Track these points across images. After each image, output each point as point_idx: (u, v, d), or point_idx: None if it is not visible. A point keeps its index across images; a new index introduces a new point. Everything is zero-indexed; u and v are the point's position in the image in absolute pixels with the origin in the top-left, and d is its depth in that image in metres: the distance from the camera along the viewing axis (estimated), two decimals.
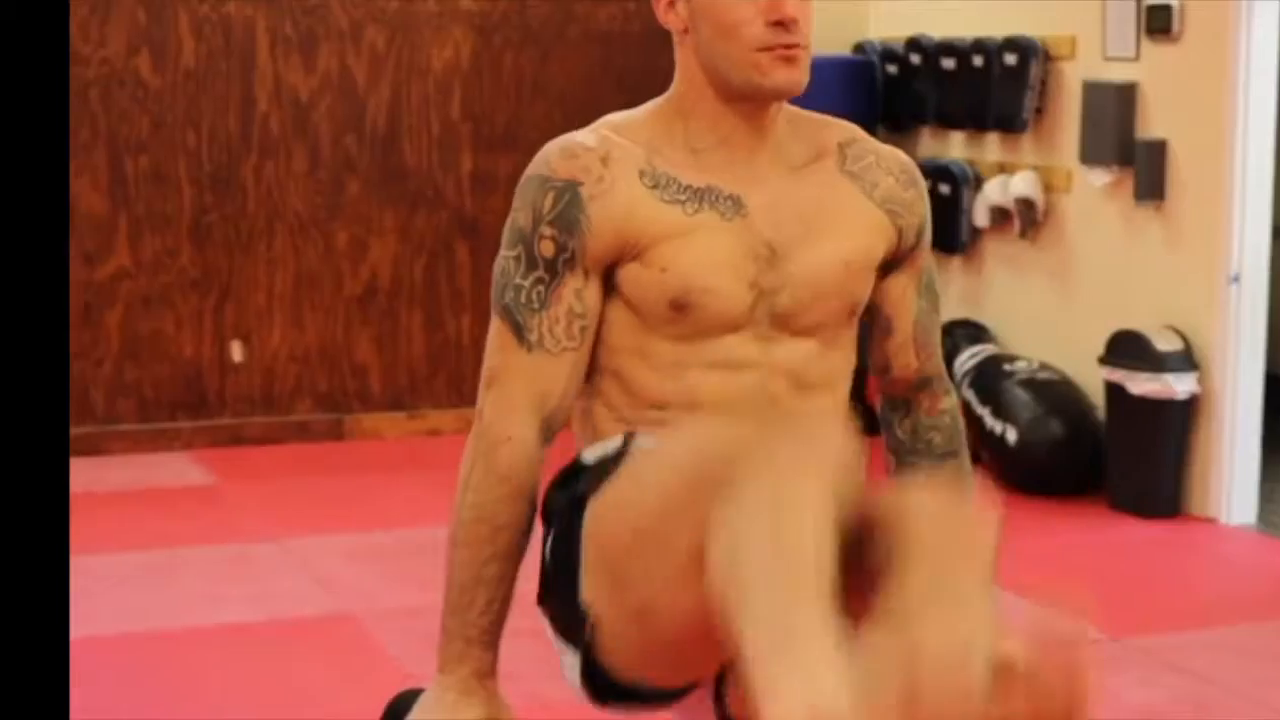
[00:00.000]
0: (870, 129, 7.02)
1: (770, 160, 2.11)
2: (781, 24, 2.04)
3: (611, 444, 2.05)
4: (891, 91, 7.04)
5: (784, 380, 2.09)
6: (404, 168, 6.94)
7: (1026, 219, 6.41)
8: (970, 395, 6.29)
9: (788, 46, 2.03)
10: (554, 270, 2.01)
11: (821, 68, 6.95)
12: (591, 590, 1.91)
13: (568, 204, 2.02)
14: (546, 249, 2.01)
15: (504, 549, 1.99)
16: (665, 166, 2.07)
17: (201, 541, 5.52)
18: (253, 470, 6.49)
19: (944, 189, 6.70)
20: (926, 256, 2.25)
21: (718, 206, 2.07)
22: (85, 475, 6.39)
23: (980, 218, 6.61)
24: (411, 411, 7.03)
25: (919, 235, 2.21)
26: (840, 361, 2.17)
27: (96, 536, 5.57)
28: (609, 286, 2.06)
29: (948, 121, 6.80)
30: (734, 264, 2.05)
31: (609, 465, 1.98)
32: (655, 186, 2.05)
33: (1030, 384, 6.17)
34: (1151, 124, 5.91)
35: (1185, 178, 5.80)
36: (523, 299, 2.02)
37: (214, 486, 6.30)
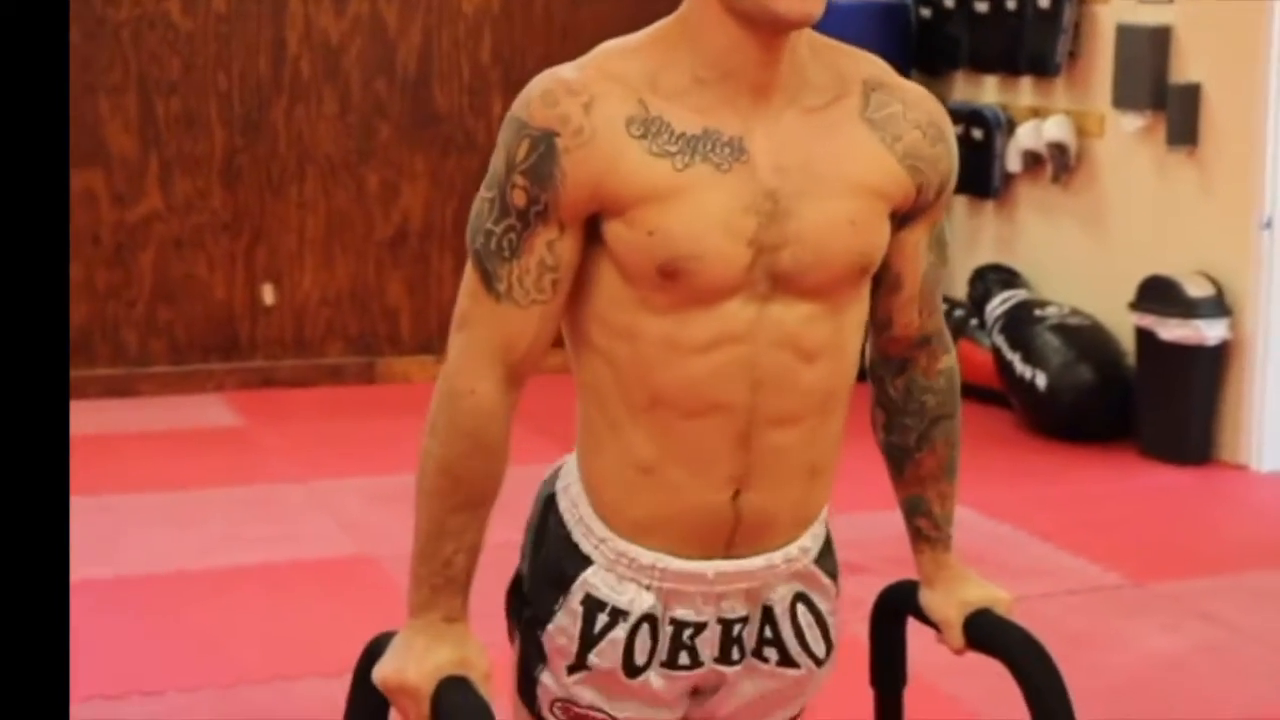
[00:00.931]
0: (904, 73, 6.98)
1: (784, 98, 1.94)
2: None
3: (567, 659, 2.02)
4: (925, 35, 6.98)
5: (782, 351, 1.96)
6: (435, 112, 6.92)
7: (1059, 164, 6.36)
8: (1001, 340, 6.26)
9: None
10: (526, 220, 1.91)
11: (855, 10, 7.00)
12: None
13: (541, 155, 1.90)
14: (518, 198, 1.92)
15: (466, 501, 1.95)
16: (660, 106, 1.91)
17: (229, 483, 5.54)
18: (283, 412, 6.51)
19: (977, 134, 6.65)
20: (945, 209, 2.11)
21: (713, 156, 1.90)
22: (117, 415, 6.44)
23: (1013, 162, 6.57)
24: (441, 355, 6.96)
25: (940, 191, 2.05)
26: (849, 326, 2.00)
27: (126, 476, 5.61)
28: (594, 239, 1.96)
29: (981, 65, 6.74)
30: (729, 223, 1.90)
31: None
32: (644, 135, 1.90)
33: (1061, 329, 6.13)
34: (1185, 68, 5.84)
35: (1218, 122, 5.74)
36: (493, 245, 1.93)
37: (244, 428, 6.33)
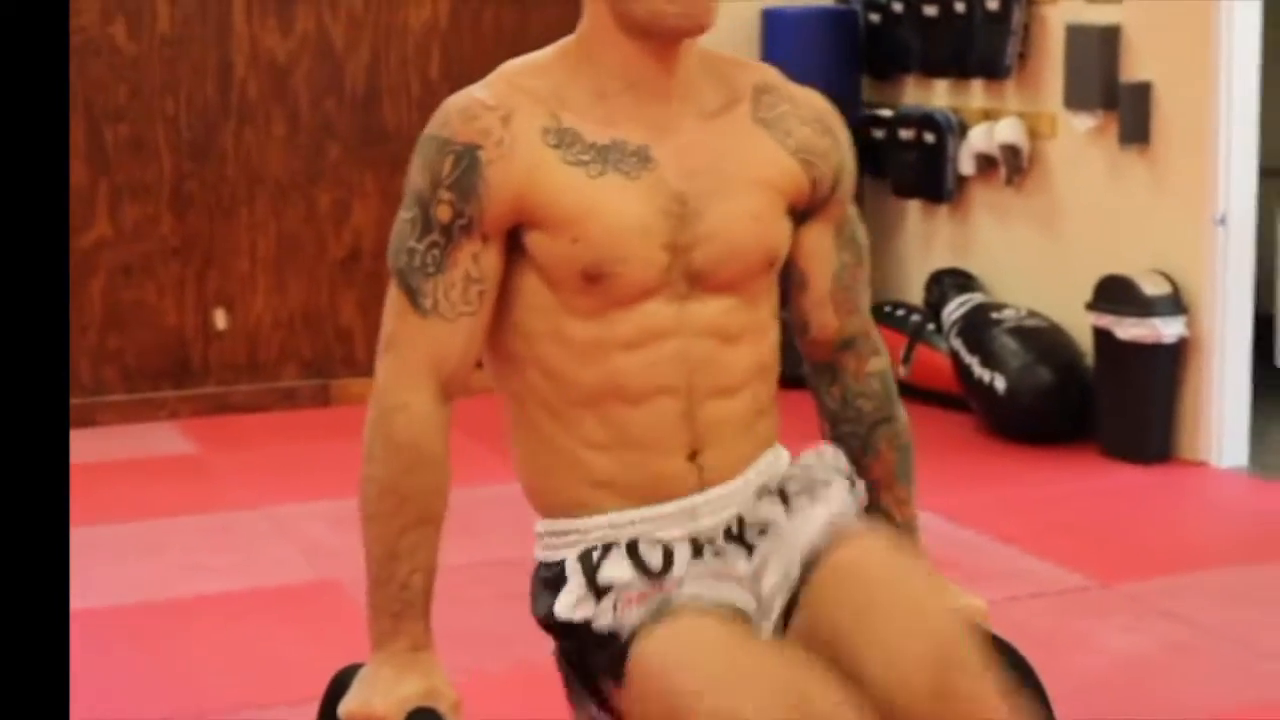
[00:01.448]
0: (854, 78, 7.04)
1: (681, 106, 2.03)
2: None
3: (575, 589, 1.99)
4: (874, 40, 6.98)
5: (708, 339, 2.03)
6: (385, 129, 6.88)
7: (1012, 166, 6.37)
8: (958, 344, 6.26)
9: None
10: (450, 235, 1.94)
11: (805, 17, 6.98)
12: None
13: (466, 169, 1.93)
14: (443, 214, 1.94)
15: (415, 518, 1.94)
16: (570, 119, 1.97)
17: (187, 511, 5.49)
18: (238, 438, 6.46)
19: (929, 138, 6.65)
20: (847, 208, 2.16)
21: (623, 166, 1.97)
22: (73, 446, 6.36)
23: (966, 166, 6.57)
24: None
25: (835, 184, 2.12)
26: (764, 313, 2.10)
27: (83, 508, 5.51)
28: (515, 250, 1.98)
29: (931, 69, 6.74)
30: (645, 227, 1.97)
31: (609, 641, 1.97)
32: (559, 145, 1.96)
33: (1018, 332, 6.13)
34: (1135, 67, 5.85)
35: (1170, 120, 5.75)
36: (417, 263, 1.95)
37: (199, 455, 6.27)
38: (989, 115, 6.48)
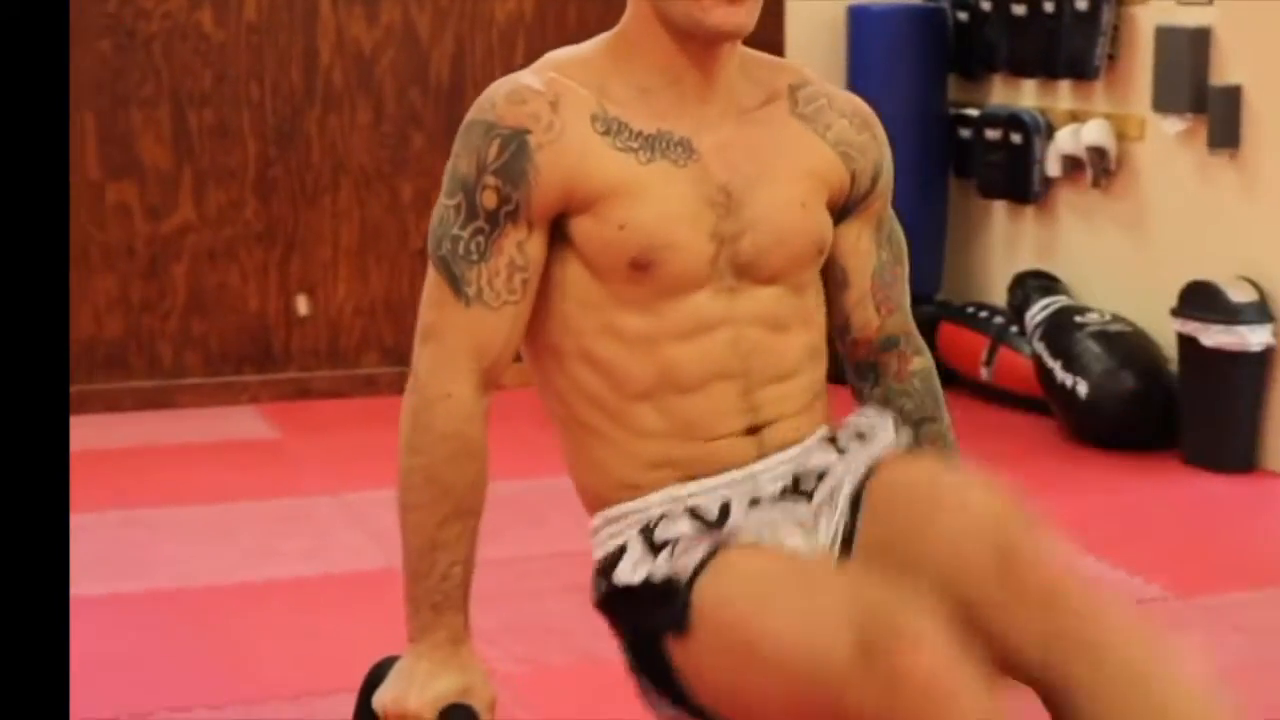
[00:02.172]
0: (940, 77, 6.97)
1: (722, 103, 2.02)
2: None
3: (636, 554, 1.97)
4: (962, 39, 6.91)
5: (758, 328, 2.02)
6: None
7: (1098, 168, 6.28)
8: (1041, 348, 6.19)
9: None
10: (495, 221, 1.92)
11: (892, 15, 6.93)
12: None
13: (514, 154, 1.91)
14: (489, 200, 1.92)
15: (456, 508, 1.92)
16: (616, 109, 1.96)
17: (262, 496, 5.51)
18: (317, 424, 6.48)
19: (1015, 138, 6.59)
20: (886, 205, 2.16)
21: (670, 153, 1.96)
22: (152, 428, 6.43)
23: (1052, 167, 6.49)
24: None
25: (874, 180, 2.11)
26: (812, 302, 2.10)
27: (160, 489, 5.59)
28: (559, 239, 1.96)
29: (1019, 69, 6.67)
30: (693, 215, 1.96)
31: (667, 591, 1.94)
32: (607, 133, 1.95)
33: (1102, 336, 6.05)
34: (1226, 70, 5.76)
35: (1260, 125, 5.66)
36: (460, 250, 1.92)
37: (278, 440, 6.30)
38: (1076, 117, 6.40)
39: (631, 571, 1.94)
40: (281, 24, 6.67)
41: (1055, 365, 6.09)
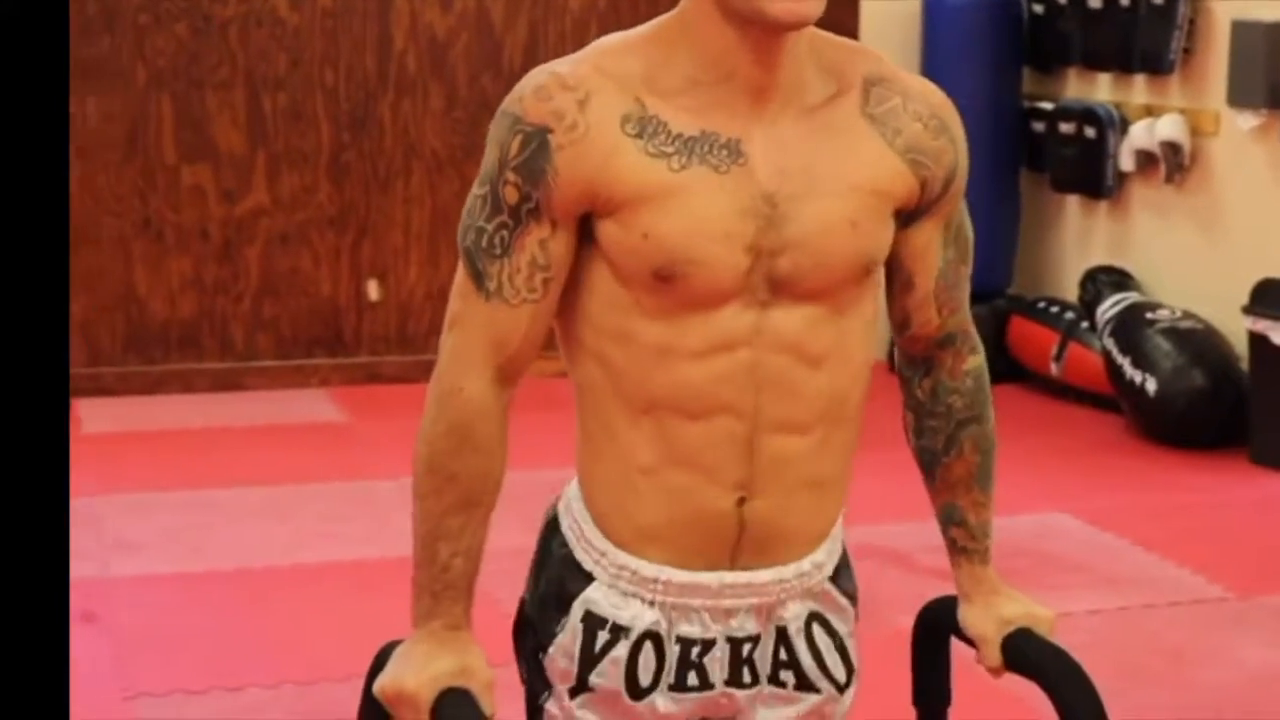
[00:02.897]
0: (1015, 70, 6.92)
1: (782, 99, 1.89)
2: None
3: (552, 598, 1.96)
4: (1037, 31, 6.86)
5: (785, 356, 1.90)
6: None
7: (1172, 163, 6.22)
8: (1111, 344, 6.14)
9: None
10: (518, 217, 1.86)
11: (967, 7, 6.88)
12: None
13: (534, 152, 1.85)
14: (510, 195, 1.87)
15: (460, 501, 1.90)
16: (657, 105, 1.86)
17: (326, 478, 5.55)
18: (385, 408, 6.52)
19: (1089, 132, 6.53)
20: (959, 204, 2.04)
21: (710, 158, 1.85)
22: (223, 409, 6.49)
23: (1126, 162, 6.44)
24: (546, 351, 6.99)
25: (947, 185, 1.97)
26: (854, 329, 1.94)
27: (226, 471, 5.64)
28: (588, 238, 1.91)
29: (1094, 62, 6.61)
30: (726, 227, 1.85)
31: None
32: (639, 134, 1.85)
33: (1172, 333, 5.99)
34: None
35: None
36: (484, 243, 1.88)
37: (346, 424, 6.35)
38: (1151, 111, 6.34)
39: (564, 655, 1.96)
40: (356, 9, 6.70)
41: (1124, 361, 6.04)
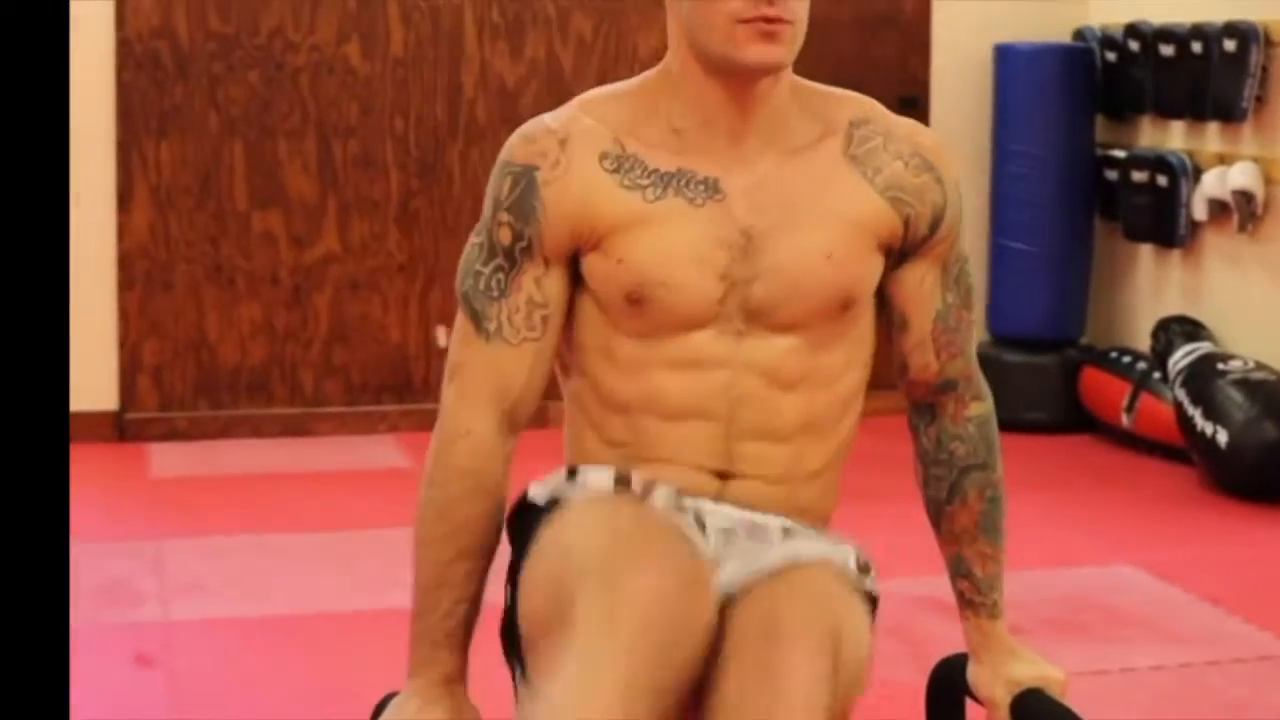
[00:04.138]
0: (1088, 118, 6.87)
1: (762, 142, 1.95)
2: None
3: (554, 482, 1.94)
4: (1110, 79, 6.81)
5: (757, 379, 1.94)
6: None
7: (1245, 212, 6.15)
8: (1182, 394, 6.07)
9: (768, 20, 1.85)
10: (513, 258, 1.92)
11: (1039, 54, 6.85)
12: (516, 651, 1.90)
13: (524, 190, 1.92)
14: (504, 236, 1.93)
15: (467, 548, 1.92)
16: (636, 147, 1.93)
17: (389, 524, 5.55)
18: None
19: (1161, 180, 6.47)
20: (955, 247, 2.03)
21: (686, 191, 1.91)
22: (291, 455, 6.52)
23: (1199, 210, 6.37)
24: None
25: (934, 224, 1.98)
26: (835, 363, 1.97)
27: (292, 516, 5.67)
28: (577, 276, 1.96)
29: (1167, 110, 6.56)
30: (698, 255, 1.91)
31: (543, 515, 1.90)
32: (616, 170, 1.92)
33: (1244, 384, 5.92)
34: None
35: None
36: (481, 286, 1.94)
37: (413, 470, 6.35)
38: (1223, 159, 6.28)
39: (542, 493, 1.93)
40: (427, 58, 6.75)
41: (1195, 413, 5.97)
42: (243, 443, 6.67)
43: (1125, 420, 6.47)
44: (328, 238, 6.76)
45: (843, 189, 1.96)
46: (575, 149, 1.92)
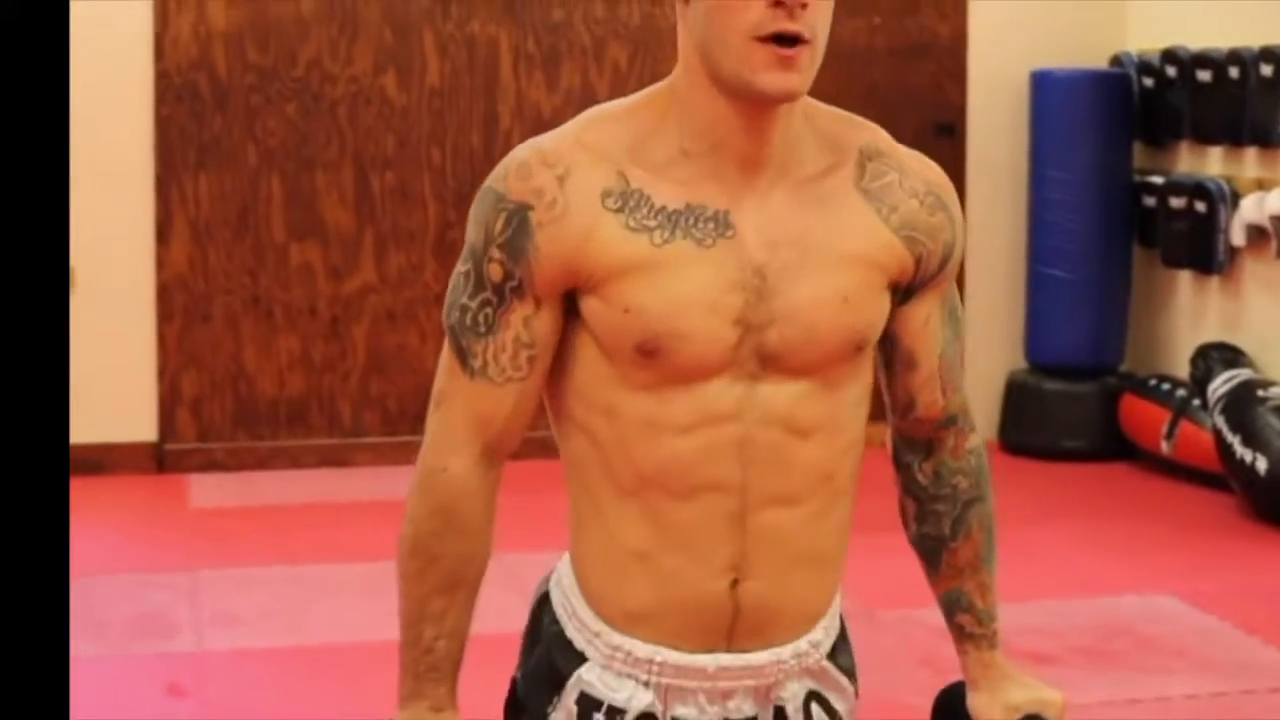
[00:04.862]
0: (1126, 144, 6.84)
1: (774, 170, 1.86)
2: (782, 3, 1.75)
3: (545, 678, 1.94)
4: (1147, 105, 6.79)
5: (774, 429, 1.86)
6: None
7: None
8: (1221, 421, 6.03)
9: (785, 43, 1.79)
10: (501, 295, 1.85)
11: (1076, 80, 6.82)
12: None
13: (516, 230, 1.83)
14: (495, 273, 1.86)
15: (443, 583, 1.89)
16: (641, 179, 1.84)
17: None
18: None
19: (1200, 206, 6.44)
20: (951, 282, 2.01)
21: (695, 231, 1.82)
22: (329, 485, 6.54)
23: (1237, 236, 6.33)
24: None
25: (944, 262, 1.95)
26: (847, 404, 1.90)
27: (329, 546, 5.68)
28: (574, 312, 1.89)
29: (1205, 136, 6.53)
30: (711, 301, 1.82)
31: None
32: (621, 209, 1.82)
33: None
34: None
35: None
36: (468, 321, 1.87)
37: None
38: (1262, 185, 6.24)
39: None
40: (463, 89, 6.78)
41: (1235, 440, 5.92)
42: (281, 474, 6.69)
43: (1165, 448, 6.43)
44: (365, 269, 6.79)
45: (858, 226, 1.88)
46: (574, 187, 1.82)
